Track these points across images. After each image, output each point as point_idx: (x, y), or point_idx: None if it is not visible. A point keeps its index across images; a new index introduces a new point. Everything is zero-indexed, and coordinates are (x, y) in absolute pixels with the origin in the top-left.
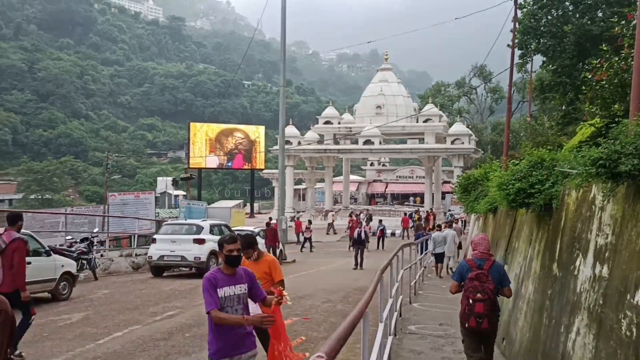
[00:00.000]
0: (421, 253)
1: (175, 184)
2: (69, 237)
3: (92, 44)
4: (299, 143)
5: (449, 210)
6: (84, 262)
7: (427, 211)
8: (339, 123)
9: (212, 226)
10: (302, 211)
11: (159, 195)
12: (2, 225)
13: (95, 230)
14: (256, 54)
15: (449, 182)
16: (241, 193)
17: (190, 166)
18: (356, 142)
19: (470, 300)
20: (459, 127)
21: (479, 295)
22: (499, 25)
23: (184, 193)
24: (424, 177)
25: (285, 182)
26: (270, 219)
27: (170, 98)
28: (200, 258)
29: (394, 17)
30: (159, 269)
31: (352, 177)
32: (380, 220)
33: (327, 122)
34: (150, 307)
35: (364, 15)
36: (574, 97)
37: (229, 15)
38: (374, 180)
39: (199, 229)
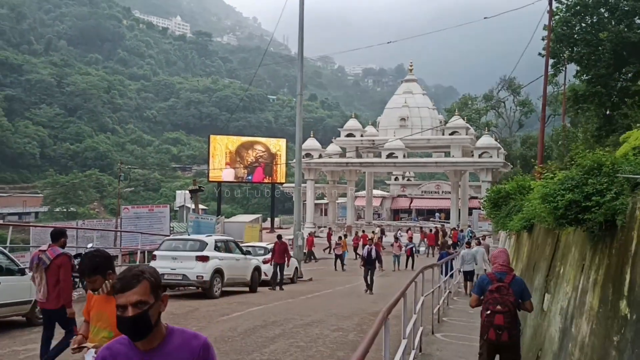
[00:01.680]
0: (445, 275)
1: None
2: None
3: (120, 59)
4: (320, 156)
5: (469, 226)
6: (76, 280)
7: (434, 227)
8: (361, 136)
9: (217, 242)
10: (323, 226)
11: (178, 208)
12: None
13: (90, 245)
14: (282, 68)
15: (476, 198)
16: (265, 208)
17: (210, 179)
18: (379, 156)
19: (490, 312)
20: (486, 140)
21: (498, 307)
22: (529, 37)
23: (203, 207)
24: (450, 193)
25: (306, 196)
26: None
27: (196, 112)
28: (202, 277)
29: (419, 33)
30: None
31: (376, 192)
32: (411, 238)
33: (349, 135)
34: None
35: (390, 30)
36: (617, 101)
37: (255, 31)
38: (399, 195)
39: (203, 245)
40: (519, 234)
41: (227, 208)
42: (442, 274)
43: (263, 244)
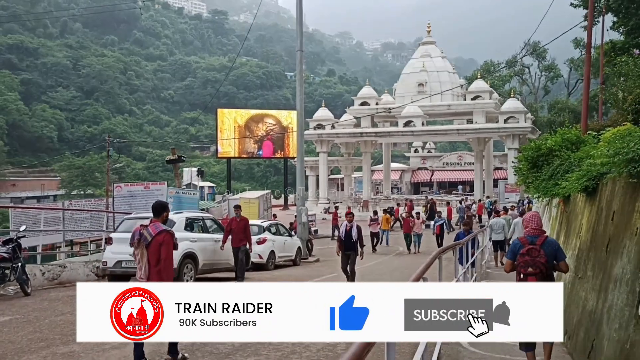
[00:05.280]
0: (465, 262)
1: (200, 174)
2: None
3: (135, 40)
4: (333, 127)
5: (487, 197)
6: (7, 272)
7: (428, 198)
8: (377, 104)
9: (189, 220)
10: (339, 202)
11: (185, 186)
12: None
13: (22, 228)
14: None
15: (501, 168)
16: (284, 185)
17: (219, 155)
18: (396, 125)
19: (522, 275)
20: (512, 104)
21: (530, 269)
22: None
23: (211, 184)
24: (473, 164)
25: (319, 169)
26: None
27: (213, 91)
28: None
29: (439, 4)
30: (118, 279)
31: (395, 164)
32: (440, 213)
33: (363, 103)
34: (27, 354)
35: (410, 4)
36: None
37: (272, 8)
38: (419, 168)
39: (169, 225)
40: (565, 200)
41: (245, 186)
42: (461, 261)
43: (257, 222)
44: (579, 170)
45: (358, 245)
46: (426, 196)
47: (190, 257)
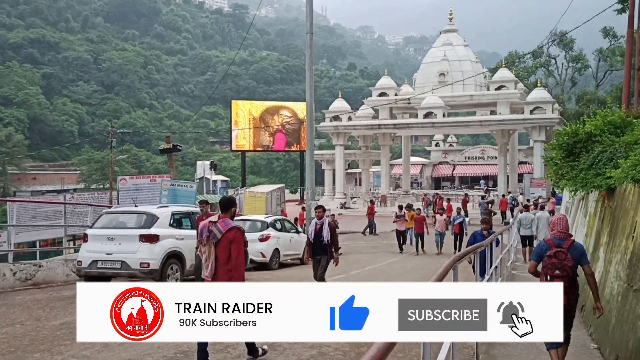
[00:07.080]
0: (489, 267)
1: (213, 167)
2: None
3: (156, 34)
4: (350, 118)
5: (509, 193)
6: None
7: (435, 194)
8: (395, 95)
9: (175, 215)
10: (357, 197)
11: (197, 180)
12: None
13: None
14: (320, 39)
15: (525, 163)
16: (300, 179)
17: (233, 148)
18: (416, 116)
19: (548, 277)
20: (539, 93)
21: (557, 272)
22: None
23: (225, 178)
24: (496, 158)
25: (335, 163)
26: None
27: (233, 85)
28: (149, 264)
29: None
30: (94, 281)
31: (415, 158)
32: (459, 210)
33: (382, 94)
34: None
35: None
36: None
37: (293, 2)
38: (440, 162)
39: (151, 220)
40: (608, 193)
41: (264, 181)
42: (482, 270)
43: (261, 217)
44: (634, 156)
45: (332, 248)
46: (434, 191)
47: (175, 256)
